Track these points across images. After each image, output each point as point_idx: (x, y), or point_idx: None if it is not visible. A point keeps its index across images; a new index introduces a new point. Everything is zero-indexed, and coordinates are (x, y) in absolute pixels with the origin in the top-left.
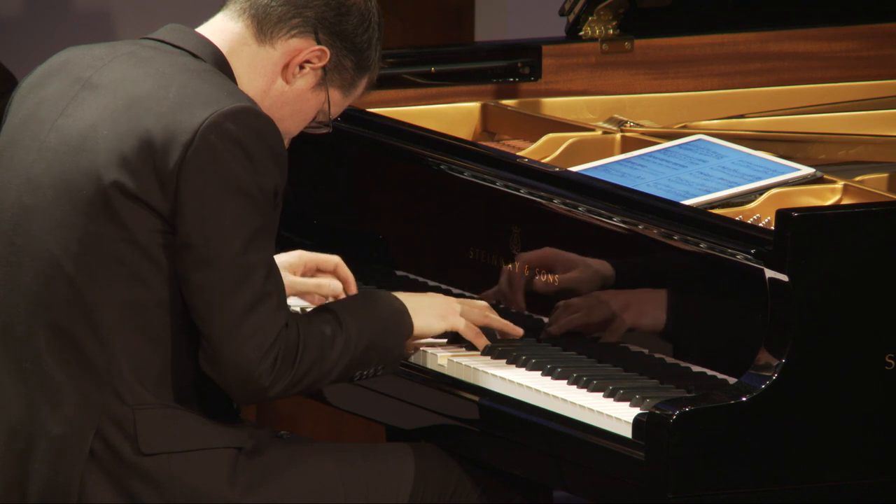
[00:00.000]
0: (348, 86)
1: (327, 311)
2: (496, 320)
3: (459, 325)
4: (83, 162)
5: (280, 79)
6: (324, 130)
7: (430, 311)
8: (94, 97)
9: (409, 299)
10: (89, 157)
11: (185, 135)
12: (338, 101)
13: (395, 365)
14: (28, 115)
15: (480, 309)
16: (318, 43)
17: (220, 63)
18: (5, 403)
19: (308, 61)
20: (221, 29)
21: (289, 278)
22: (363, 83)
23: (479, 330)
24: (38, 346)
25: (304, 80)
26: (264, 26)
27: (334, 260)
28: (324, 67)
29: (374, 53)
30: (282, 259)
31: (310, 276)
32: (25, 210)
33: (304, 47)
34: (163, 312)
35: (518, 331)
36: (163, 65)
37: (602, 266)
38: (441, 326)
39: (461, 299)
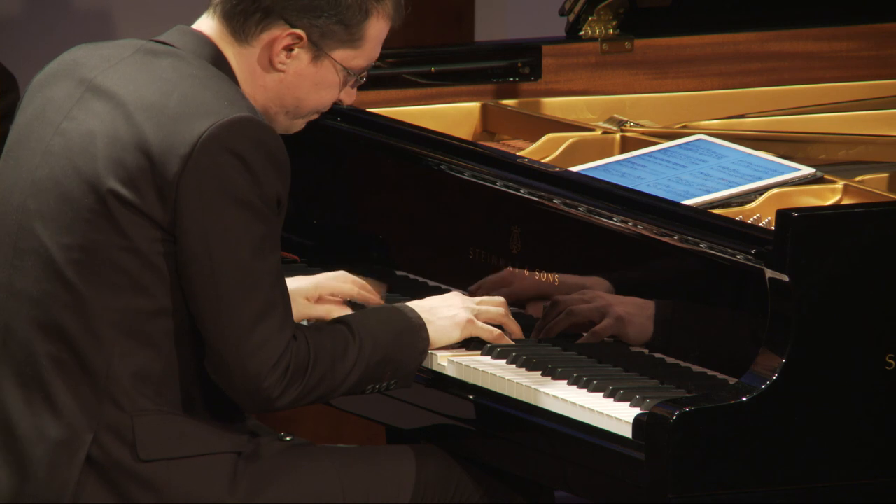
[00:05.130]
0: (353, 40)
1: (342, 323)
2: (512, 321)
3: (478, 332)
4: (84, 168)
5: (271, 71)
6: (363, 80)
7: (447, 321)
8: (98, 102)
9: (425, 311)
10: (90, 163)
11: (184, 147)
12: (352, 56)
13: (409, 379)
14: (35, 115)
15: (498, 307)
16: (291, 26)
17: (220, 64)
18: (4, 407)
19: (291, 45)
20: (210, 28)
21: (300, 304)
22: (370, 27)
23: (498, 332)
24: (38, 352)
25: (298, 62)
26: (235, 27)
27: (351, 293)
28: (311, 42)
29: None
30: (297, 285)
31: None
32: (29, 214)
33: (278, 35)
34: (163, 320)
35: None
36: (167, 70)
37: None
38: (458, 336)
39: (478, 299)
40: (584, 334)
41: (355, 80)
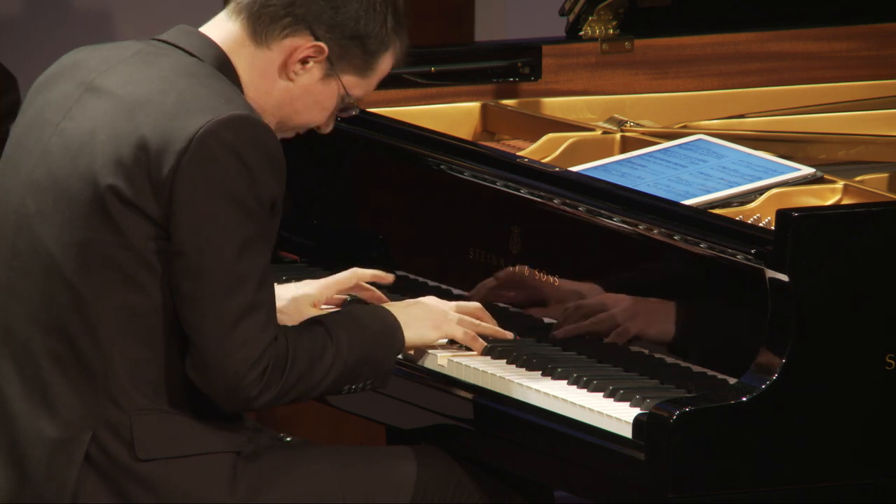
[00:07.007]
0: (365, 68)
1: (319, 323)
2: (487, 328)
3: (453, 332)
4: (82, 166)
5: (280, 78)
6: (353, 112)
7: (423, 322)
8: (96, 101)
9: (401, 311)
10: (88, 161)
11: (179, 142)
12: (356, 84)
13: (385, 380)
14: (34, 117)
15: (473, 312)
16: (316, 39)
17: (223, 65)
18: (4, 408)
19: (309, 57)
20: (222, 29)
21: (307, 311)
22: (383, 61)
23: (474, 334)
24: (37, 351)
25: (309, 75)
26: (258, 28)
27: (353, 278)
28: (328, 59)
29: (385, 32)
30: (303, 291)
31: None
32: (27, 214)
33: (300, 44)
34: (160, 317)
35: (507, 335)
36: (165, 69)
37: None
38: (434, 336)
39: (455, 303)
40: (605, 339)
41: (345, 108)
